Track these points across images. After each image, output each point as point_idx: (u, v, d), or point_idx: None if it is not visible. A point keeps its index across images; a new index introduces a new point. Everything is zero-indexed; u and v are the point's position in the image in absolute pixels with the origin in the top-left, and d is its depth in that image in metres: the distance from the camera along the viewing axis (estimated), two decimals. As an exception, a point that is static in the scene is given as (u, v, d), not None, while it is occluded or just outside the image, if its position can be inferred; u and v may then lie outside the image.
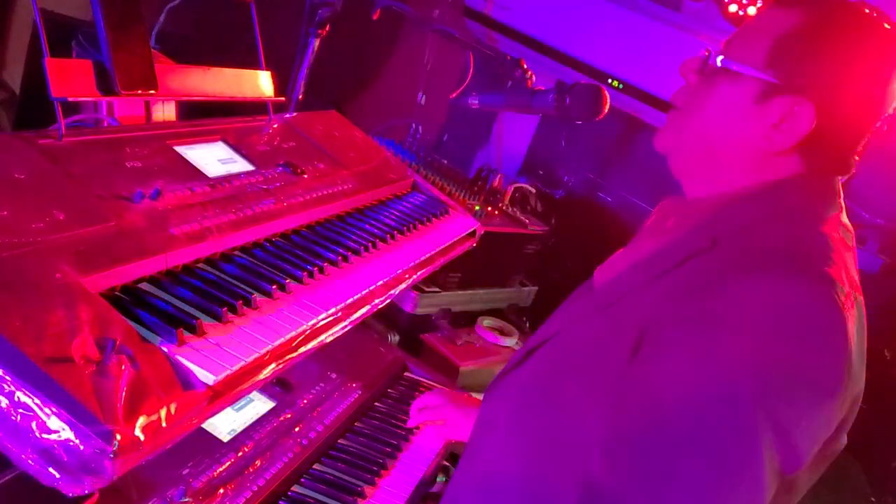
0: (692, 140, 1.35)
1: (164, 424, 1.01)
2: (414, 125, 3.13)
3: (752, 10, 2.98)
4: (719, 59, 1.30)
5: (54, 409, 0.91)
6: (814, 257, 1.18)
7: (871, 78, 1.24)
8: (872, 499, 2.86)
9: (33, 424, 0.91)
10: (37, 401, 0.91)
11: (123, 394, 0.97)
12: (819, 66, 1.23)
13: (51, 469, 0.92)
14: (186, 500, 1.46)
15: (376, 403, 2.16)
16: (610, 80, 3.10)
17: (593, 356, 1.30)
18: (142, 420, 0.97)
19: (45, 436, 0.91)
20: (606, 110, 1.96)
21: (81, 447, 0.92)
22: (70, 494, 0.94)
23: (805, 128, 1.24)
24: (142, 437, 0.96)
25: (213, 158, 1.64)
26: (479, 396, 2.08)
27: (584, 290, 1.54)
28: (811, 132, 1.24)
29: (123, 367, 1.00)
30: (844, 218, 1.32)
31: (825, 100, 1.23)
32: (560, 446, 1.31)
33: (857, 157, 1.33)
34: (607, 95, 1.95)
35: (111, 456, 0.92)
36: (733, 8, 3.03)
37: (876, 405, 2.81)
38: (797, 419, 1.11)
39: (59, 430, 0.91)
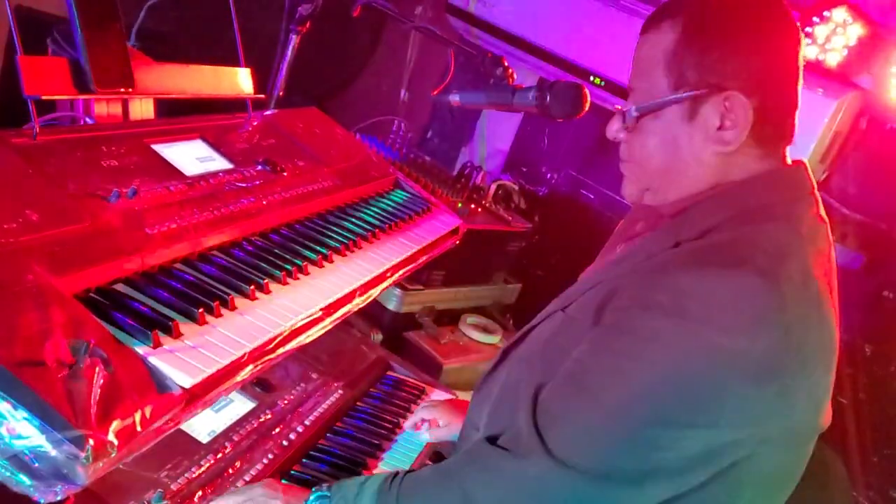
0: (656, 179, 1.36)
1: (138, 428, 0.99)
2: (396, 122, 3.11)
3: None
4: (632, 109, 1.31)
5: (25, 414, 0.90)
6: (759, 252, 1.17)
7: (768, 38, 1.27)
8: (854, 493, 2.88)
9: (3, 430, 0.90)
10: (7, 406, 0.90)
11: (97, 398, 0.96)
12: (720, 56, 1.24)
13: (22, 475, 0.91)
14: (164, 503, 1.44)
15: (358, 403, 2.14)
16: (591, 78, 3.10)
17: (552, 347, 1.34)
18: (116, 424, 0.96)
19: (15, 441, 0.90)
20: (587, 108, 1.95)
21: (53, 453, 0.90)
22: (42, 501, 0.92)
23: (745, 114, 1.24)
24: (115, 442, 0.95)
25: (192, 157, 1.62)
26: (465, 395, 2.08)
27: None
28: (758, 118, 1.25)
29: (97, 371, 0.98)
30: (821, 209, 1.32)
31: (745, 80, 1.24)
32: None
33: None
34: (588, 93, 1.94)
35: (84, 461, 0.91)
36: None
37: (857, 400, 2.83)
38: (716, 400, 1.14)
39: (31, 435, 0.90)
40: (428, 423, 2.03)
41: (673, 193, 1.34)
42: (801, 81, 1.31)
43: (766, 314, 1.13)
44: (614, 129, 1.37)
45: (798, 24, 1.29)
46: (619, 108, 1.35)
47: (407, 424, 2.07)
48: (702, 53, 1.24)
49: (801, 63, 1.30)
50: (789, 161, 1.33)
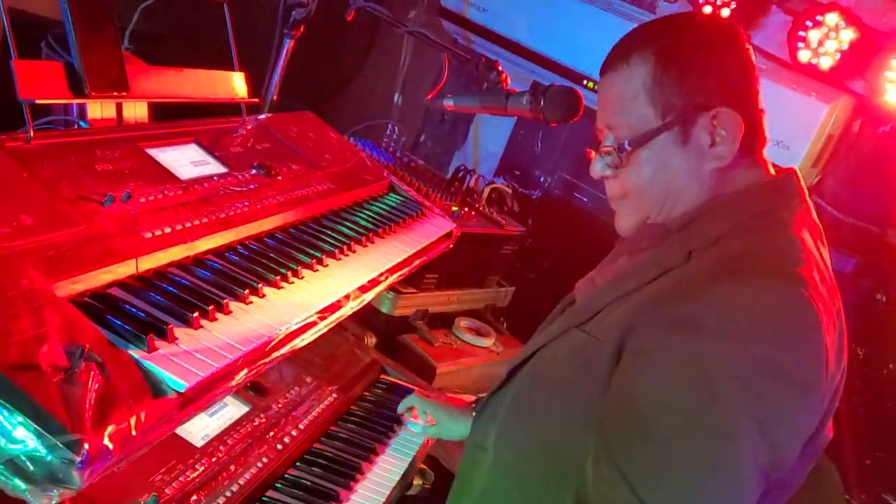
0: (656, 205, 1.36)
1: (133, 433, 0.99)
2: (390, 126, 3.11)
3: (725, 12, 3.00)
4: (625, 144, 1.31)
5: (20, 419, 0.90)
6: (785, 259, 1.20)
7: (730, 52, 1.30)
8: (847, 496, 2.89)
9: (-2, 434, 0.89)
10: (2, 410, 0.89)
11: (92, 402, 0.96)
12: (699, 77, 1.27)
13: (17, 480, 0.91)
14: (159, 507, 1.44)
15: (352, 407, 2.14)
16: (585, 82, 3.11)
17: (573, 371, 1.31)
18: (111, 429, 0.96)
19: (10, 446, 0.90)
20: (581, 112, 1.96)
21: (48, 457, 0.90)
22: (37, 505, 0.92)
23: (737, 126, 1.27)
24: (111, 446, 0.95)
25: (186, 160, 1.62)
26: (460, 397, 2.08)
27: (564, 307, 1.54)
28: (745, 128, 1.27)
29: (92, 375, 0.98)
30: (813, 215, 1.34)
31: (726, 94, 1.27)
32: (548, 463, 1.33)
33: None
34: (582, 97, 1.95)
35: (79, 466, 0.91)
36: (707, 9, 3.05)
37: (850, 403, 2.84)
38: (778, 417, 1.12)
39: (26, 439, 0.90)
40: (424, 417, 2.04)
41: (676, 212, 1.35)
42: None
43: (811, 325, 1.14)
44: (598, 168, 1.37)
45: (739, 34, 1.33)
46: (602, 148, 1.36)
47: (405, 413, 2.07)
48: (681, 78, 1.27)
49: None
50: (769, 163, 1.36)
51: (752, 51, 1.32)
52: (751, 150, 1.32)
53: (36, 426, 0.90)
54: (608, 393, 1.21)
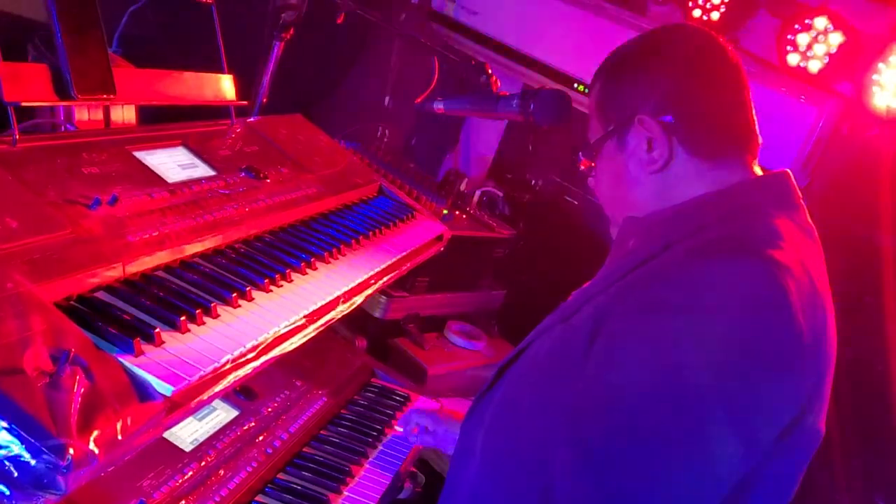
0: (618, 212, 1.45)
1: (120, 437, 0.98)
2: (380, 129, 3.11)
3: (715, 15, 3.01)
4: (580, 155, 1.48)
5: (4, 424, 0.89)
6: (757, 241, 1.20)
7: (671, 62, 1.35)
8: (836, 497, 2.89)
9: (-18, 439, 0.89)
10: (-14, 415, 0.89)
11: (77, 406, 0.95)
12: (629, 89, 1.37)
13: (1, 485, 0.90)
14: (146, 512, 1.43)
15: (343, 411, 2.14)
16: (576, 85, 3.12)
17: (553, 361, 1.32)
18: (96, 433, 0.95)
19: (-6, 451, 0.89)
20: (571, 115, 1.96)
21: (33, 462, 0.89)
22: (21, 511, 0.91)
23: (661, 131, 1.32)
24: (96, 451, 0.94)
25: (174, 163, 1.61)
26: (449, 402, 2.08)
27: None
28: (679, 132, 1.32)
29: (78, 379, 0.97)
30: (805, 216, 1.34)
31: (654, 102, 1.33)
32: (535, 466, 1.30)
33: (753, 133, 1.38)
34: (572, 100, 1.95)
35: (64, 471, 0.90)
36: (697, 13, 3.06)
37: (839, 405, 2.85)
38: (747, 392, 1.12)
39: (10, 444, 0.89)
40: (421, 427, 2.04)
41: (652, 207, 1.38)
42: (736, 90, 1.36)
43: (778, 300, 1.14)
44: (587, 179, 1.51)
45: (706, 42, 1.37)
46: (585, 160, 1.49)
47: (401, 425, 2.07)
48: (617, 92, 1.39)
49: (726, 74, 1.36)
50: (758, 170, 1.37)
51: (726, 59, 1.35)
52: (714, 154, 1.34)
53: (20, 431, 0.89)
54: (582, 380, 1.21)
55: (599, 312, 1.24)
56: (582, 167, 1.50)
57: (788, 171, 1.38)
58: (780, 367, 1.15)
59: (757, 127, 1.38)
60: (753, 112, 1.37)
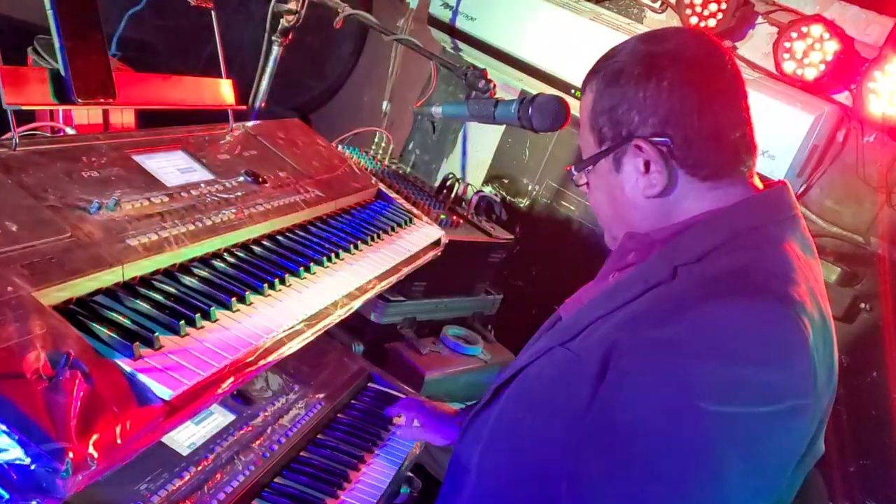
0: (612, 227, 1.44)
1: (119, 441, 0.99)
2: (379, 134, 3.12)
3: (712, 23, 3.03)
4: (573, 167, 1.42)
5: (3, 427, 0.89)
6: (773, 277, 1.18)
7: (669, 79, 1.26)
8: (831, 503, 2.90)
9: (-19, 443, 0.89)
10: (-15, 419, 0.89)
11: (76, 410, 0.95)
12: (626, 108, 1.29)
13: (0, 489, 0.90)
14: (144, 516, 1.43)
15: (339, 415, 2.14)
16: (573, 91, 3.12)
17: (557, 389, 1.28)
18: (95, 437, 0.95)
19: (-7, 454, 0.89)
20: (569, 121, 1.96)
21: (32, 466, 0.89)
22: (20, 515, 0.91)
23: (658, 155, 1.27)
24: (95, 455, 0.94)
25: (173, 167, 1.62)
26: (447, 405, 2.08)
27: (549, 326, 1.53)
28: (678, 157, 1.27)
29: (77, 383, 0.97)
30: (805, 230, 1.33)
31: (652, 124, 1.27)
32: (531, 488, 1.30)
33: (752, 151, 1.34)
34: (569, 106, 1.96)
35: (63, 475, 0.90)
36: (694, 20, 3.07)
37: (834, 411, 2.86)
38: (765, 443, 1.11)
39: (9, 448, 0.89)
40: (411, 419, 2.05)
41: (653, 224, 1.35)
42: (735, 104, 1.30)
43: (798, 344, 1.12)
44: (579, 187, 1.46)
45: (707, 54, 1.30)
46: (572, 169, 1.45)
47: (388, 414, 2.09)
48: (612, 109, 1.31)
49: (726, 89, 1.30)
50: (758, 184, 1.34)
51: (726, 71, 1.30)
52: (714, 175, 1.29)
53: (19, 434, 0.89)
54: (591, 413, 1.18)
55: (609, 343, 1.20)
56: (573, 179, 1.45)
57: (787, 181, 1.36)
58: (796, 412, 1.14)
59: (755, 136, 1.33)
60: (752, 121, 1.32)
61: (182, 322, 1.22)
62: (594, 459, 1.15)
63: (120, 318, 1.18)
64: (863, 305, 2.93)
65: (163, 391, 1.07)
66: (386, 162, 3.04)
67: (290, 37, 2.35)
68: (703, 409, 1.08)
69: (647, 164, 1.29)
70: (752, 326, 1.12)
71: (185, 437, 1.68)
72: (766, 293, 1.15)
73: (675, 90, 1.26)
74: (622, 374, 1.17)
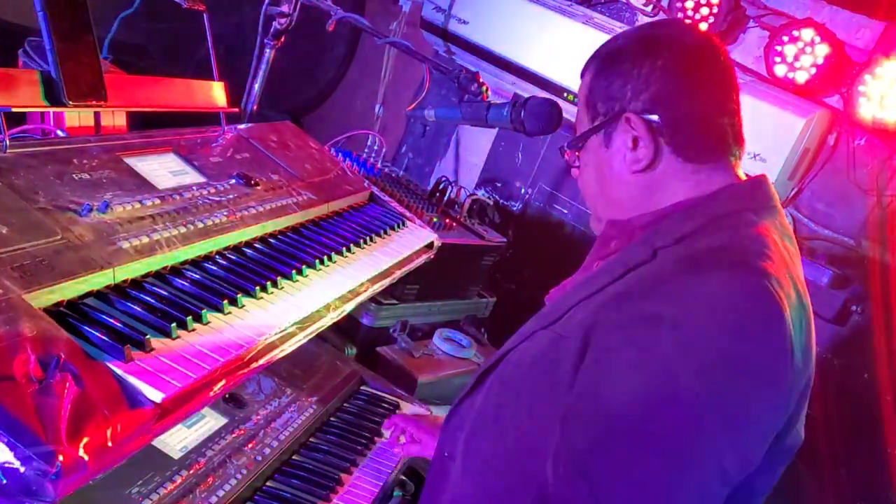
0: (599, 207, 1.46)
1: (109, 444, 0.98)
2: (371, 137, 3.12)
3: (703, 27, 3.04)
4: (564, 145, 1.46)
5: (-7, 430, 0.88)
6: (748, 253, 1.20)
7: (663, 60, 1.31)
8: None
9: (-30, 446, 0.88)
10: (-25, 422, 0.88)
11: (67, 413, 0.95)
12: (619, 84, 1.34)
13: (-11, 492, 0.89)
14: (135, 520, 1.43)
15: (332, 418, 2.13)
16: (565, 94, 3.13)
17: (540, 371, 1.30)
18: (86, 440, 0.95)
19: (-17, 458, 0.89)
20: (561, 124, 1.97)
21: (22, 469, 0.89)
22: (10, 518, 0.91)
23: (647, 130, 1.31)
24: (86, 458, 0.94)
25: (164, 170, 1.61)
26: (438, 410, 2.08)
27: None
28: (666, 132, 1.31)
29: (67, 386, 0.97)
30: (783, 220, 1.35)
31: (643, 100, 1.32)
32: (514, 465, 1.31)
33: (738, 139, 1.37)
34: (562, 109, 1.96)
35: (53, 478, 0.90)
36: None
37: (826, 413, 2.87)
38: (743, 411, 1.12)
39: (-1, 451, 0.89)
40: (407, 435, 2.04)
41: (626, 215, 1.39)
42: (726, 94, 1.34)
43: (774, 315, 1.14)
44: (571, 170, 1.49)
45: (701, 43, 1.36)
46: (563, 149, 1.48)
47: (386, 432, 2.08)
48: (607, 86, 1.36)
49: (718, 77, 1.35)
50: (742, 174, 1.37)
51: (718, 62, 1.34)
52: (697, 157, 1.33)
53: (9, 437, 0.88)
54: (573, 391, 1.20)
55: (589, 321, 1.22)
56: (566, 157, 1.48)
57: (765, 175, 1.39)
58: (773, 384, 1.15)
59: (743, 130, 1.37)
60: (741, 115, 1.36)
61: (173, 325, 1.22)
62: (579, 434, 1.17)
63: (111, 321, 1.17)
64: (854, 308, 2.94)
65: (154, 394, 1.07)
66: (379, 165, 3.04)
67: (282, 40, 2.35)
68: (680, 379, 1.10)
69: (635, 141, 1.33)
70: (729, 298, 1.14)
71: (176, 440, 1.68)
72: (742, 266, 1.17)
73: (668, 70, 1.31)
74: (603, 349, 1.19)
